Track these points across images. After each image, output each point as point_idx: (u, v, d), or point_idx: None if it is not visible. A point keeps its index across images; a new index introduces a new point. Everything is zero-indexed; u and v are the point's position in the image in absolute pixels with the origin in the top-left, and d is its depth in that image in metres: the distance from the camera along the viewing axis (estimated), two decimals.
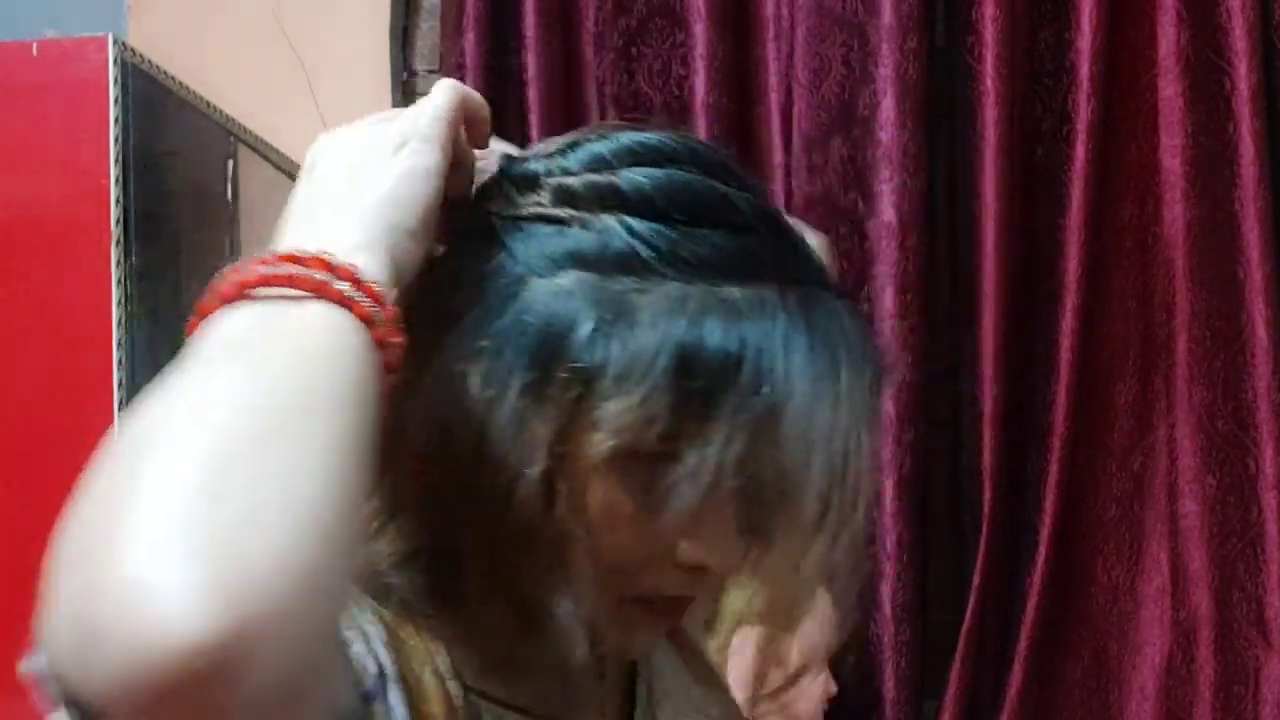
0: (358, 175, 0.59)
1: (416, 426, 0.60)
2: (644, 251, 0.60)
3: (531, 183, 0.63)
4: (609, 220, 0.61)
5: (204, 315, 0.52)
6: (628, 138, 0.64)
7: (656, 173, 0.62)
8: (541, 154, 0.66)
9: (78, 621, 0.43)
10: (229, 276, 0.53)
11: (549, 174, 0.63)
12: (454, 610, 0.63)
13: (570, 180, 0.63)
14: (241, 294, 0.52)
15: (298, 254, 0.53)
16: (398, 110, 0.65)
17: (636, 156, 0.63)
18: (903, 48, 1.88)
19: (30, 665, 0.47)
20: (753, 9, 2.01)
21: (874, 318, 1.90)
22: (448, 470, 0.60)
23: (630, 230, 0.60)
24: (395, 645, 0.60)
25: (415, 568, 0.63)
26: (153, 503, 0.43)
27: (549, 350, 0.58)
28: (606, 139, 0.64)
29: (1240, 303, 1.86)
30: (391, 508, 0.62)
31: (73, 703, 0.44)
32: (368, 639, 0.58)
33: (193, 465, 0.44)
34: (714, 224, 0.61)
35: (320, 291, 0.52)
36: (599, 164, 0.63)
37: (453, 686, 0.62)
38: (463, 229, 0.65)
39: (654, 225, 0.60)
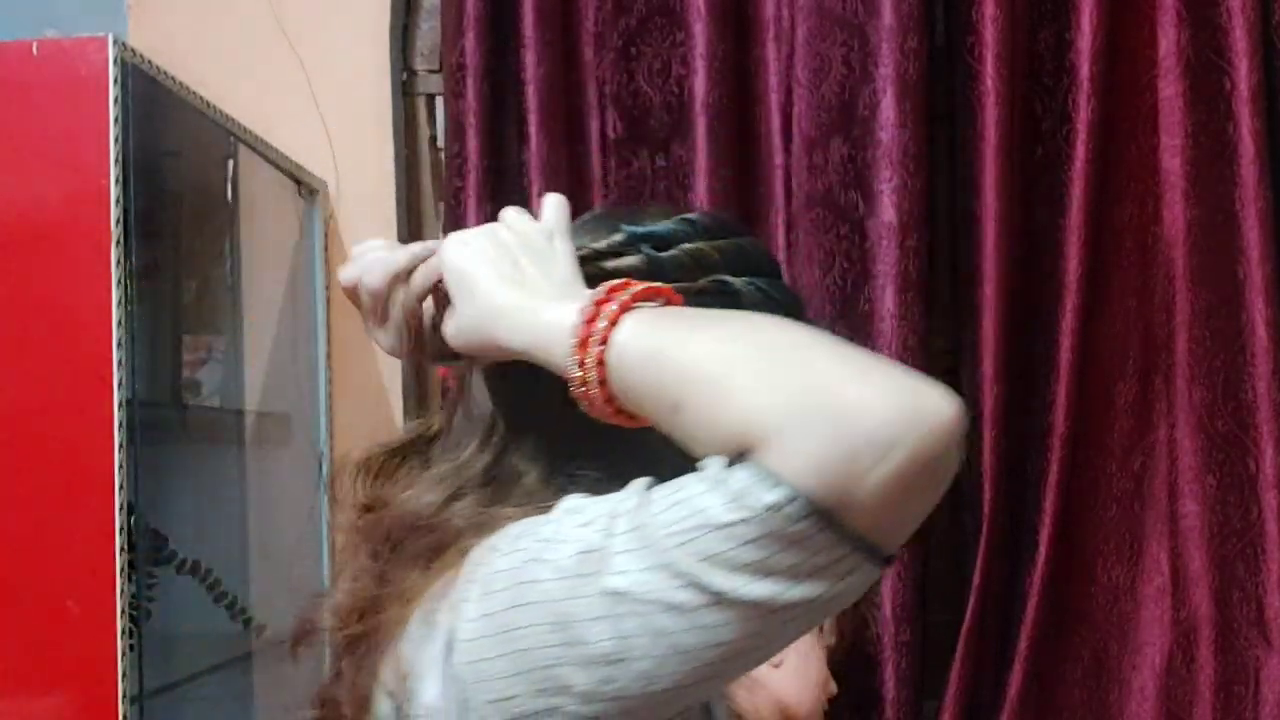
0: (543, 262, 0.79)
1: None
2: (762, 295, 0.84)
3: (665, 241, 0.84)
4: (741, 281, 0.84)
5: (613, 323, 0.71)
6: (704, 214, 0.88)
7: (746, 239, 0.87)
8: (649, 218, 0.86)
9: (853, 456, 0.62)
10: (615, 296, 0.73)
11: (675, 236, 0.84)
12: None
13: (699, 245, 0.84)
14: (634, 305, 0.73)
15: (631, 283, 0.74)
16: (512, 221, 0.82)
17: (722, 227, 0.87)
18: (903, 48, 1.88)
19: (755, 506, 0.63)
20: (753, 9, 2.01)
21: (874, 317, 1.90)
22: None
23: (756, 286, 0.84)
24: None
25: None
26: (849, 370, 0.65)
27: None
28: (686, 215, 0.87)
29: (1240, 303, 1.86)
30: None
31: (828, 514, 0.63)
32: None
33: (835, 352, 0.67)
34: (776, 273, 0.87)
35: (672, 299, 0.75)
36: (697, 232, 0.85)
37: None
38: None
39: (764, 279, 0.84)
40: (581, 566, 0.68)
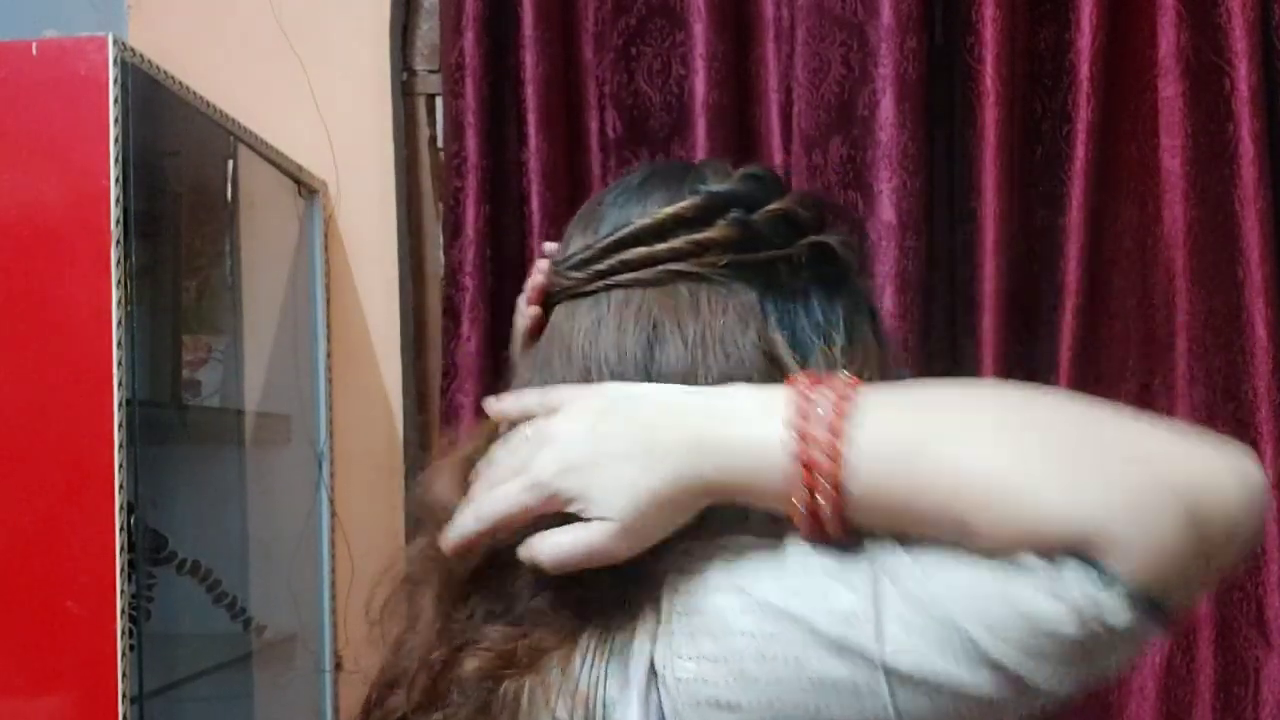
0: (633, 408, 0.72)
1: None
2: (852, 252, 0.84)
3: (748, 203, 0.82)
4: (835, 240, 0.83)
5: (836, 432, 0.64)
6: (760, 169, 0.88)
7: (802, 190, 0.91)
8: (712, 176, 0.85)
9: (1205, 552, 0.59)
10: (818, 394, 0.66)
11: (754, 197, 0.82)
12: None
13: (784, 205, 0.82)
14: (849, 402, 0.66)
15: (815, 376, 0.69)
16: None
17: (778, 180, 0.87)
18: (902, 48, 1.88)
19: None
20: (753, 9, 2.00)
21: None
22: None
23: (844, 242, 0.83)
24: None
25: None
26: (1174, 457, 0.62)
27: None
28: (748, 171, 0.87)
29: (1240, 303, 1.86)
30: None
31: (1165, 608, 0.60)
32: None
33: (1134, 430, 0.64)
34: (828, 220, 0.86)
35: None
36: (768, 189, 0.85)
37: None
38: None
39: (838, 234, 0.84)
40: (847, 632, 0.62)
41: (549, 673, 0.71)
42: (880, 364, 0.80)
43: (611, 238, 0.79)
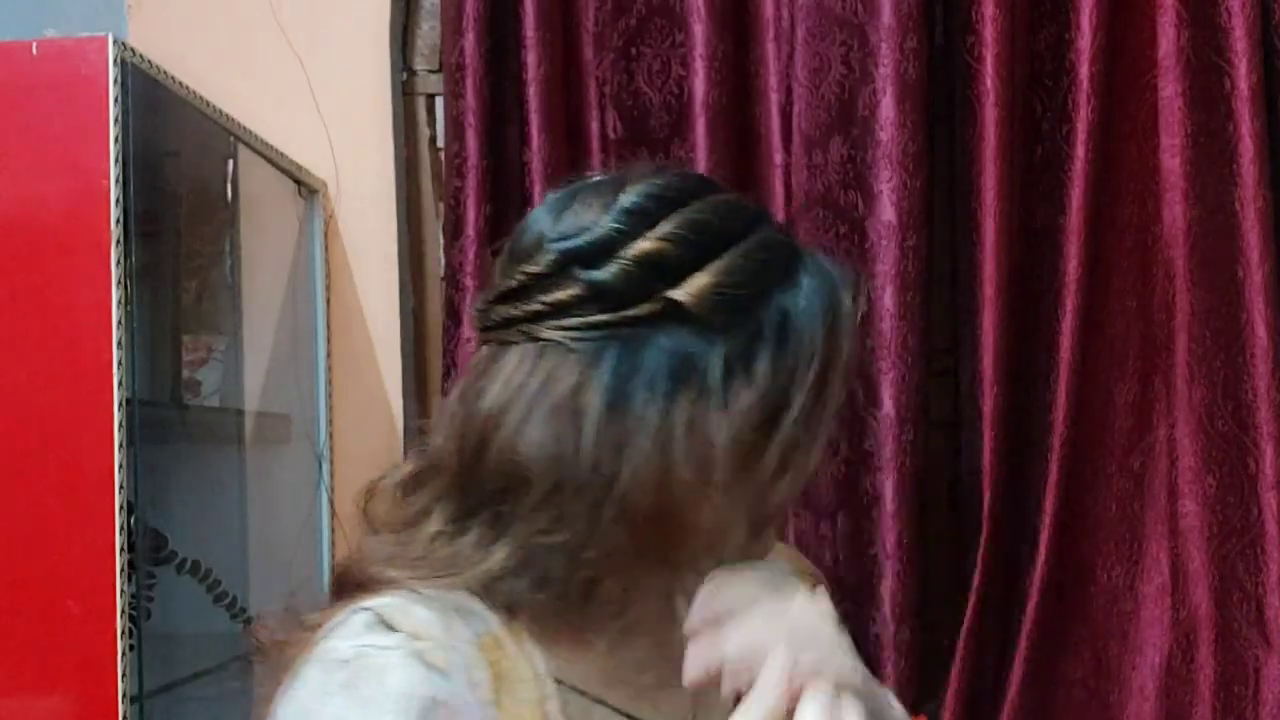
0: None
1: None
2: (722, 300, 0.83)
3: (602, 250, 0.81)
4: (693, 291, 0.83)
5: None
6: (651, 186, 0.83)
7: (707, 203, 0.84)
8: (581, 205, 0.82)
9: None
10: None
11: (612, 240, 0.81)
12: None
13: (646, 246, 0.81)
14: None
15: None
16: None
17: (680, 192, 0.83)
18: (902, 48, 1.88)
19: None
20: (753, 9, 2.00)
21: (874, 317, 1.90)
22: None
23: (719, 292, 0.83)
24: (495, 672, 0.77)
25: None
26: None
27: None
28: (627, 200, 0.82)
29: (1240, 303, 1.86)
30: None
31: None
32: (469, 668, 0.76)
33: None
34: (749, 231, 0.86)
35: None
36: (641, 217, 0.82)
37: (552, 707, 0.78)
38: None
39: (728, 269, 0.83)
40: None
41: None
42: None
43: (490, 294, 0.82)
